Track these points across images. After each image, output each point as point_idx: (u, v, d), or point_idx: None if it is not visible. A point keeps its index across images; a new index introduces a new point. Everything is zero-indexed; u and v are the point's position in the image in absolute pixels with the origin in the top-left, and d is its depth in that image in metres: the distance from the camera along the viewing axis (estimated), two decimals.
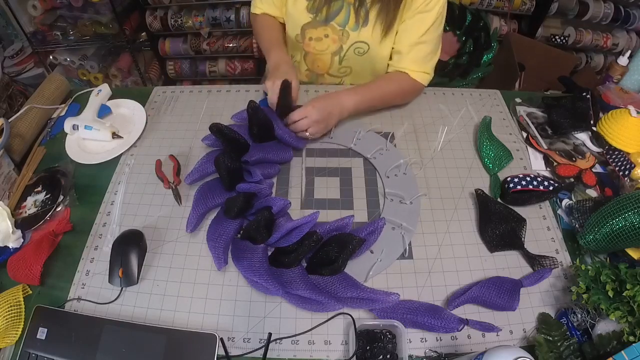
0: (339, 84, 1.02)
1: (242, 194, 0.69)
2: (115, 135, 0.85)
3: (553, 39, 2.04)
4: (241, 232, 0.70)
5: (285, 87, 0.79)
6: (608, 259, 0.68)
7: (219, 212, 0.72)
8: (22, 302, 0.63)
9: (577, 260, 0.64)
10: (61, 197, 0.75)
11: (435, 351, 0.59)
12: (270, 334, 0.59)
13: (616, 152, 0.82)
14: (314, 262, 0.65)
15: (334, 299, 0.61)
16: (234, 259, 0.66)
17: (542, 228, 0.73)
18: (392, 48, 0.90)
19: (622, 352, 0.51)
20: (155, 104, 0.96)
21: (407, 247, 0.69)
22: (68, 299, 0.64)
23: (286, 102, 0.80)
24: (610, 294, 0.56)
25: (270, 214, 0.68)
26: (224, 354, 0.58)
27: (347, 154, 0.84)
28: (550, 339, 0.57)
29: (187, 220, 0.70)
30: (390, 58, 0.92)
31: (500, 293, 0.62)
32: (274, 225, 0.68)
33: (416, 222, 0.73)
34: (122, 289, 0.65)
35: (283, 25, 0.97)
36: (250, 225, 0.66)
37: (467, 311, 0.63)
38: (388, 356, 0.56)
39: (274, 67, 0.87)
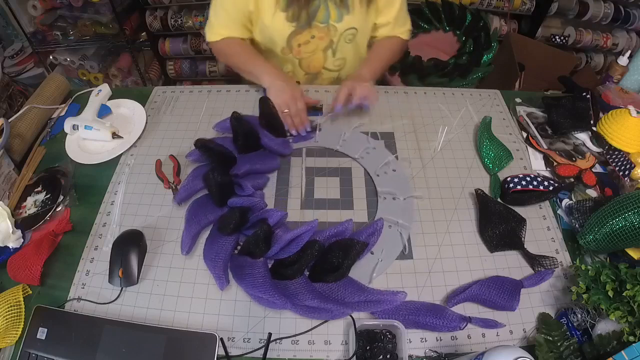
0: (337, 79, 1.03)
1: (237, 209, 0.67)
2: (115, 135, 0.85)
3: (553, 39, 2.04)
4: (238, 247, 0.68)
5: (263, 101, 0.80)
6: (608, 259, 0.68)
7: (212, 229, 0.70)
8: (22, 302, 0.63)
9: (577, 260, 0.64)
10: (61, 197, 0.75)
11: (435, 351, 0.59)
12: (270, 334, 0.59)
13: (616, 152, 0.82)
14: (317, 270, 0.65)
15: (342, 305, 0.61)
16: (234, 276, 0.65)
17: (542, 228, 0.73)
18: (376, 23, 0.96)
19: (622, 352, 0.51)
20: (155, 104, 0.96)
21: (407, 244, 0.70)
22: (68, 299, 0.64)
23: (268, 112, 0.81)
24: (610, 294, 0.56)
25: (268, 227, 0.66)
26: (224, 354, 0.58)
27: (341, 155, 0.84)
28: (550, 339, 0.57)
29: (181, 242, 0.68)
30: (376, 29, 0.98)
31: (500, 292, 0.62)
32: (273, 237, 0.67)
33: (412, 218, 0.73)
34: (122, 289, 0.65)
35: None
36: (249, 240, 0.65)
37: (467, 311, 0.63)
38: (388, 356, 0.56)
39: (271, 83, 0.85)
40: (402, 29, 0.98)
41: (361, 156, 0.82)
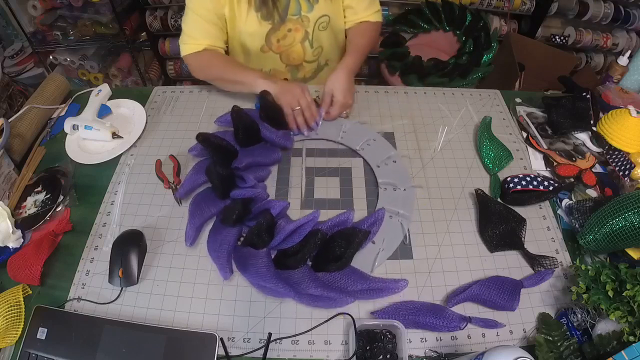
0: (317, 68, 1.05)
1: (240, 201, 0.68)
2: (115, 135, 0.85)
3: (553, 39, 2.04)
4: (242, 239, 0.69)
5: (263, 95, 0.81)
6: (608, 259, 0.68)
7: (215, 221, 0.71)
8: (22, 302, 0.63)
9: (577, 260, 0.64)
10: (61, 197, 0.75)
11: (435, 351, 0.59)
12: (270, 334, 0.59)
13: (616, 152, 0.82)
14: (320, 259, 0.65)
15: (345, 294, 0.62)
16: (238, 267, 0.65)
17: (542, 228, 0.73)
18: (344, 7, 0.96)
19: (622, 352, 0.51)
20: (155, 104, 0.96)
21: (407, 233, 0.70)
22: (68, 299, 0.64)
23: (269, 105, 0.81)
24: (610, 294, 0.56)
25: (271, 217, 0.67)
26: (224, 354, 0.58)
27: (347, 153, 0.84)
28: (550, 339, 0.57)
29: (185, 234, 0.69)
30: (346, 17, 0.98)
31: (500, 292, 0.62)
32: (275, 227, 0.68)
33: (412, 208, 0.74)
34: (122, 289, 0.65)
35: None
36: (253, 230, 0.66)
37: (467, 311, 0.63)
38: (388, 356, 0.56)
39: (269, 85, 0.83)
40: (369, 12, 0.97)
41: (362, 148, 0.83)
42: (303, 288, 0.61)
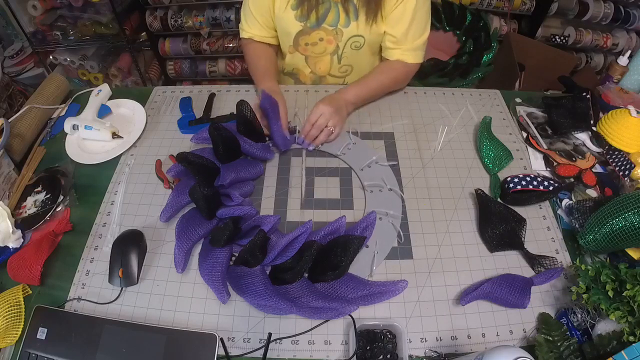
0: (342, 84, 1.01)
1: (230, 221, 0.66)
2: (115, 135, 0.85)
3: (553, 39, 2.04)
4: (233, 258, 0.67)
5: (242, 104, 0.78)
6: (608, 259, 0.68)
7: (204, 243, 0.68)
8: (22, 302, 0.63)
9: (577, 260, 0.64)
10: (61, 197, 0.75)
11: (435, 351, 0.59)
12: (270, 334, 0.59)
13: (616, 152, 0.82)
14: (317, 270, 0.64)
15: (346, 302, 0.61)
16: (234, 288, 0.63)
17: (542, 228, 0.73)
18: (385, 32, 0.89)
19: (622, 352, 0.51)
20: (155, 104, 0.96)
21: (400, 231, 0.70)
22: (68, 299, 0.64)
23: (245, 117, 0.79)
24: (610, 294, 0.56)
25: (264, 234, 0.64)
26: (224, 354, 0.58)
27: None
28: (550, 339, 0.57)
29: (174, 260, 0.66)
30: (385, 42, 0.91)
31: (511, 290, 0.62)
32: (268, 243, 0.66)
33: (400, 207, 0.74)
34: (122, 289, 0.65)
35: (273, 48, 0.98)
36: (245, 249, 0.63)
37: (480, 308, 0.63)
38: (388, 356, 0.56)
39: None
40: (409, 53, 0.89)
41: (343, 152, 0.83)
42: (304, 302, 0.61)
